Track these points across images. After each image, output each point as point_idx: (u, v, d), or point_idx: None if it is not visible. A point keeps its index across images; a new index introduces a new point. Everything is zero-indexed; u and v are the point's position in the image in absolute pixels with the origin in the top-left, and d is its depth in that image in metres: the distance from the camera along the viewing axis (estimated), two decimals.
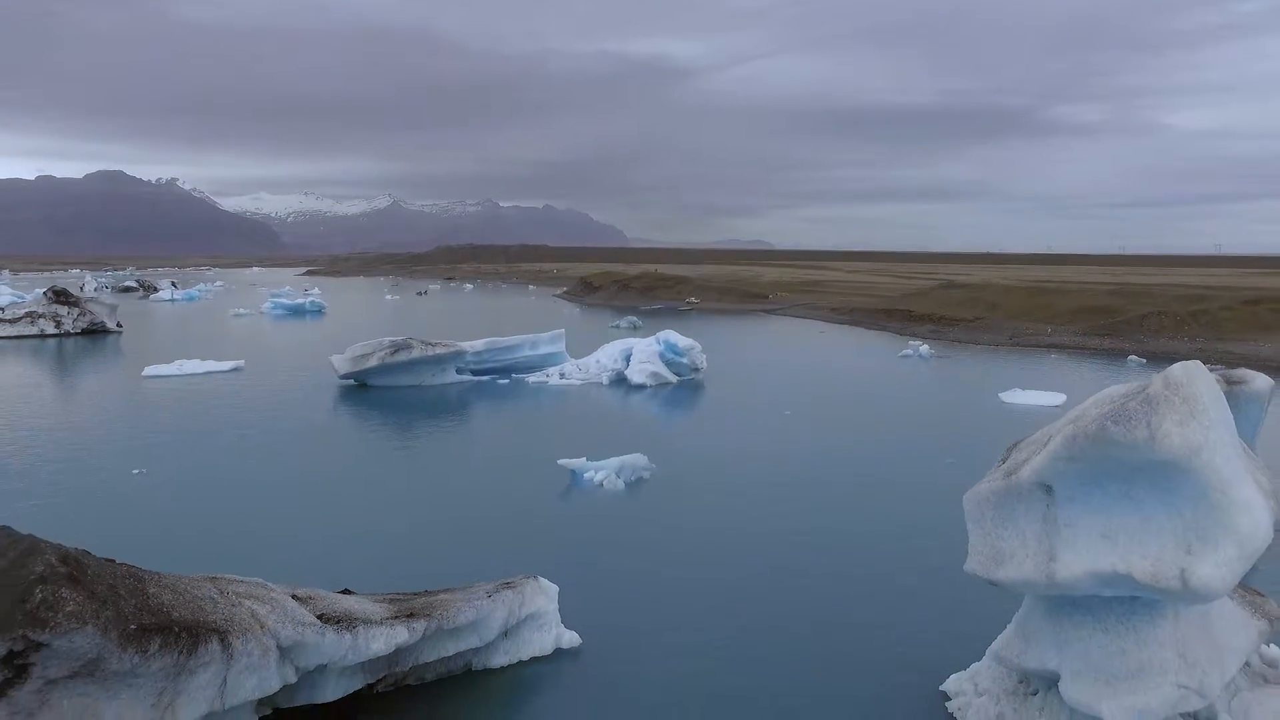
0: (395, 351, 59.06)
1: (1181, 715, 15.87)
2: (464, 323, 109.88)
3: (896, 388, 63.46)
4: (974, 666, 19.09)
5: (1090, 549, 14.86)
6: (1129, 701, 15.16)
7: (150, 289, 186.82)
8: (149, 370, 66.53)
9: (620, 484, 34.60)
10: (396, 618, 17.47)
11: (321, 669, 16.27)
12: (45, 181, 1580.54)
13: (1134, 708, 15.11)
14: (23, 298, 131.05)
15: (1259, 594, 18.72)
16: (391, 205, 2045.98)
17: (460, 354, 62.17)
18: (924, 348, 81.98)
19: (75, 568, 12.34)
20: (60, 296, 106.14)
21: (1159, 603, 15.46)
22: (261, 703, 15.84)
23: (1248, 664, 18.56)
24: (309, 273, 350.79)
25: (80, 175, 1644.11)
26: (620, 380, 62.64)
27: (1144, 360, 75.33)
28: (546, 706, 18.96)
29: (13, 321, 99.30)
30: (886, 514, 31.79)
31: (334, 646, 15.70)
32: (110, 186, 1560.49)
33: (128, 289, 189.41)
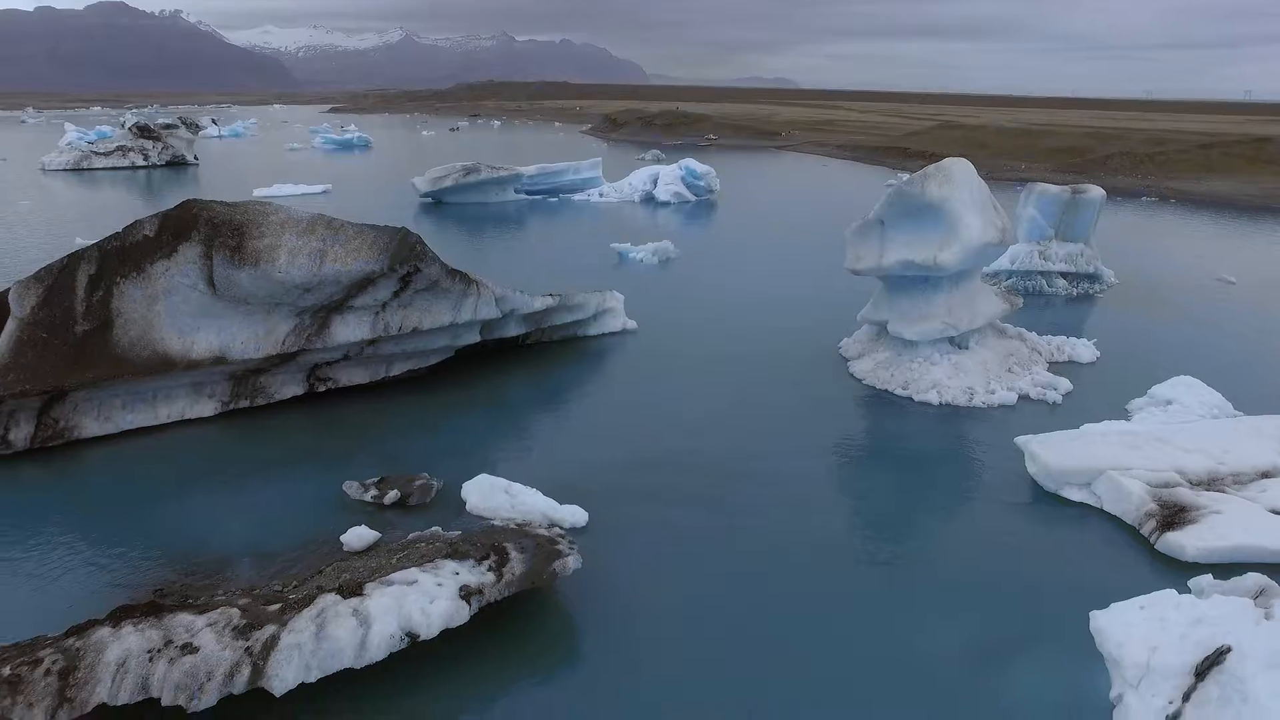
0: (467, 174, 73.17)
1: (948, 339, 31.29)
2: (504, 155, 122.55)
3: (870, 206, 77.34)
4: (855, 333, 34.57)
5: (899, 250, 29.90)
6: (918, 328, 30.54)
7: (193, 126, 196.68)
8: (257, 192, 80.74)
9: (655, 260, 49.90)
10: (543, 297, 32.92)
11: (508, 316, 31.71)
12: (45, 13, 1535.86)
13: (920, 331, 30.52)
14: (87, 134, 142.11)
15: (1015, 294, 33.79)
16: (404, 39, 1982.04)
17: (519, 176, 76.27)
18: (906, 178, 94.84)
19: (419, 238, 27.44)
20: (144, 132, 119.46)
21: (940, 281, 30.55)
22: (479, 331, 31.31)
23: (1004, 331, 33.97)
24: (333, 110, 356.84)
25: (81, 7, 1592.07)
26: (649, 199, 77.00)
27: None
28: (618, 356, 34.64)
29: (106, 154, 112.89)
30: (825, 269, 46.62)
31: (519, 300, 31.15)
32: (113, 19, 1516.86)
33: (169, 126, 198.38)
